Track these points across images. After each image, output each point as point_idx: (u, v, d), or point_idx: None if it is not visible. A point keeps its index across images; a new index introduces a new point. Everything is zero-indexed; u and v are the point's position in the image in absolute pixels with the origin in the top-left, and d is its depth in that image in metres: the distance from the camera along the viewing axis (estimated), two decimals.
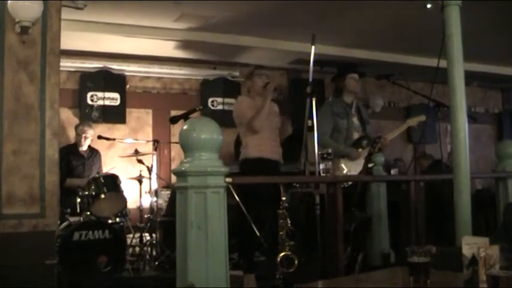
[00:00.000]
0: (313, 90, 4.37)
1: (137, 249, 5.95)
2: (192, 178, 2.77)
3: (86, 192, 5.44)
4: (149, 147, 6.50)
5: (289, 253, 3.12)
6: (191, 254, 2.73)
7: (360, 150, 5.11)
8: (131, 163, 6.56)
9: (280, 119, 5.35)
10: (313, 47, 4.37)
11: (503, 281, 1.98)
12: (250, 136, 4.96)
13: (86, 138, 6.25)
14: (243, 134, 5.04)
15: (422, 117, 5.40)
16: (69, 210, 5.43)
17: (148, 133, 7.59)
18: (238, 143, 6.92)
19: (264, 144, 4.95)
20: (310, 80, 4.43)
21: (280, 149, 5.16)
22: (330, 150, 4.36)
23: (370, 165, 5.08)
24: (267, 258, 4.69)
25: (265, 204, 4.50)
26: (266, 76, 5.12)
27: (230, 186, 3.03)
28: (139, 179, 6.14)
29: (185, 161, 2.82)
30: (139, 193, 6.19)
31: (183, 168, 2.79)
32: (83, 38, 6.46)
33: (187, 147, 2.82)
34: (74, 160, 6.14)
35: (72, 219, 5.35)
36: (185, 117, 4.87)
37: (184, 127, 2.87)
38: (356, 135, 5.28)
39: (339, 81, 5.39)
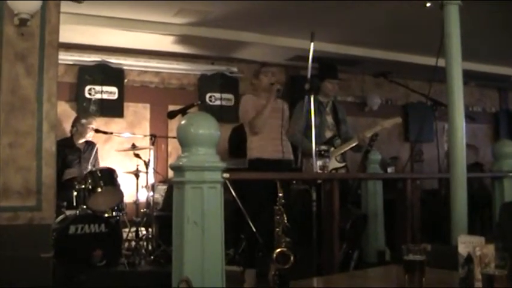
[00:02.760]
0: (312, 87, 4.37)
1: (133, 243, 5.96)
2: (189, 173, 2.77)
3: (83, 186, 5.44)
4: (146, 141, 6.51)
5: (285, 249, 3.11)
6: (187, 249, 2.73)
7: (332, 149, 5.12)
8: (128, 157, 6.56)
9: (288, 117, 5.28)
10: (312, 44, 4.37)
11: (498, 279, 1.99)
12: (253, 136, 4.99)
13: (92, 129, 6.25)
14: (248, 133, 5.07)
15: (398, 120, 5.41)
16: (65, 203, 5.42)
17: (145, 127, 7.59)
18: (232, 139, 6.92)
19: (264, 144, 4.95)
20: (309, 77, 4.43)
21: (284, 147, 5.08)
22: (326, 147, 4.37)
23: (340, 165, 5.11)
24: (263, 254, 4.69)
25: (261, 201, 4.48)
26: (272, 74, 5.14)
27: (227, 181, 3.03)
28: (136, 173, 6.14)
29: (182, 155, 2.81)
30: (136, 187, 6.18)
31: (180, 163, 2.79)
32: (82, 32, 6.46)
33: (184, 142, 2.82)
34: (71, 154, 6.13)
35: (68, 212, 5.35)
36: (183, 112, 4.88)
37: (182, 122, 2.87)
38: (329, 134, 5.28)
39: (316, 81, 5.36)
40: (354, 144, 5.15)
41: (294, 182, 5.08)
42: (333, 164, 5.08)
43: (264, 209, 4.24)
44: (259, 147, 4.94)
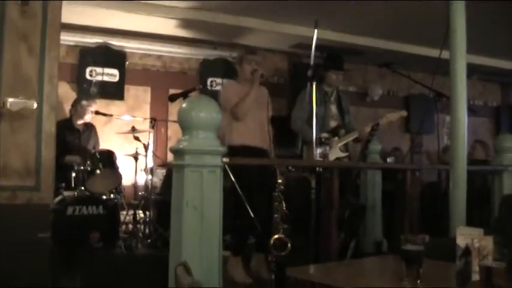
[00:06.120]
0: (314, 75, 4.34)
1: (130, 226, 5.96)
2: (189, 156, 2.76)
3: (81, 168, 5.44)
4: (146, 125, 6.48)
5: (282, 236, 3.12)
6: (185, 233, 2.74)
7: (336, 138, 5.09)
8: (127, 140, 6.55)
9: (271, 107, 5.18)
10: (315, 31, 4.34)
11: (496, 272, 1.99)
12: (235, 123, 4.82)
13: (91, 111, 6.22)
14: (227, 120, 4.80)
15: (404, 113, 5.42)
16: (63, 184, 5.42)
17: (146, 111, 7.58)
18: None
19: (249, 132, 4.82)
20: (312, 64, 4.40)
21: (268, 138, 5.03)
22: (328, 135, 4.36)
23: (343, 155, 5.10)
24: (259, 240, 4.69)
25: (256, 188, 4.43)
26: (255, 62, 5.00)
27: (226, 166, 3.02)
28: (135, 157, 6.13)
29: (183, 139, 2.81)
30: (134, 170, 6.18)
31: (180, 146, 2.79)
32: (84, 13, 6.41)
33: (185, 125, 2.81)
34: (69, 135, 6.11)
35: (67, 193, 5.35)
36: (184, 95, 4.84)
37: (184, 105, 2.86)
38: (333, 124, 5.25)
39: (321, 70, 5.30)
40: (354, 137, 5.13)
41: (293, 169, 5.07)
42: (336, 153, 5.06)
43: (256, 196, 4.23)
44: (244, 133, 4.81)
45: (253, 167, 4.38)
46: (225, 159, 2.93)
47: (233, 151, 4.70)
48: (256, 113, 4.87)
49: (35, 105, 3.65)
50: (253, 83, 4.80)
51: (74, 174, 5.49)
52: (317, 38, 4.37)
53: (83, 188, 5.37)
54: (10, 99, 3.55)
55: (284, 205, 3.38)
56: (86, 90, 7.09)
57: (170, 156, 6.84)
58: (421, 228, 4.51)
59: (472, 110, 4.83)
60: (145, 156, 6.09)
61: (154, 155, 6.49)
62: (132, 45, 7.55)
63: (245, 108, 4.75)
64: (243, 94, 4.80)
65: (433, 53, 4.40)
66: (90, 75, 7.21)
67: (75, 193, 5.31)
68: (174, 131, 7.44)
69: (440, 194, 5.23)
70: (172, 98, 5.01)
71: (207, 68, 8.00)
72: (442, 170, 5.15)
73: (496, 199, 4.58)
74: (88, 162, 5.46)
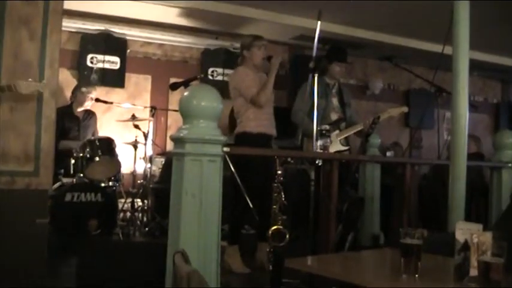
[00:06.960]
0: (317, 66, 4.32)
1: (128, 214, 5.97)
2: (189, 145, 2.76)
3: (81, 154, 5.43)
4: (146, 113, 6.47)
5: (281, 227, 3.12)
6: (184, 222, 2.73)
7: (337, 132, 5.08)
8: (127, 128, 6.54)
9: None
10: (318, 22, 4.33)
11: (494, 267, 1.99)
12: (252, 109, 4.77)
13: (91, 99, 6.21)
14: (243, 106, 4.77)
15: (405, 109, 5.43)
16: (62, 171, 5.42)
17: (146, 99, 7.57)
18: (233, 115, 6.86)
19: (266, 119, 4.81)
20: (314, 55, 4.38)
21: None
22: (328, 127, 4.35)
23: (344, 148, 5.09)
24: (257, 231, 4.70)
25: (259, 177, 4.43)
26: (265, 47, 4.93)
27: (226, 156, 3.02)
28: (135, 145, 6.12)
29: (183, 127, 2.80)
30: (133, 158, 6.18)
31: (181, 135, 2.78)
32: None
33: (186, 113, 2.81)
34: (69, 122, 6.10)
35: (65, 180, 5.35)
36: (185, 84, 4.83)
37: (185, 94, 2.86)
38: (335, 116, 5.24)
39: (324, 62, 5.25)
40: (358, 129, 5.12)
41: (292, 161, 5.06)
42: (337, 146, 5.05)
43: (262, 185, 4.22)
44: (262, 120, 4.75)
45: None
46: (226, 149, 2.92)
47: (250, 138, 4.68)
48: (270, 99, 4.86)
49: (44, 87, 3.66)
50: (272, 70, 4.73)
51: (73, 161, 5.49)
52: (320, 30, 4.36)
53: (81, 174, 5.37)
54: (20, 82, 3.54)
55: (283, 196, 3.38)
56: (86, 77, 7.08)
57: (169, 145, 6.84)
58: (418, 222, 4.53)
59: (473, 106, 4.83)
60: (145, 144, 6.09)
61: (154, 143, 6.49)
62: (134, 33, 7.53)
63: (266, 96, 4.71)
64: (258, 80, 4.78)
65: (435, 47, 4.40)
66: (91, 62, 7.20)
67: (74, 180, 5.31)
68: (174, 119, 7.44)
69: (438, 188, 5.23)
70: (174, 87, 5.00)
71: (208, 57, 7.99)
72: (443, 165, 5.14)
73: (494, 195, 4.59)
74: (87, 149, 5.46)
